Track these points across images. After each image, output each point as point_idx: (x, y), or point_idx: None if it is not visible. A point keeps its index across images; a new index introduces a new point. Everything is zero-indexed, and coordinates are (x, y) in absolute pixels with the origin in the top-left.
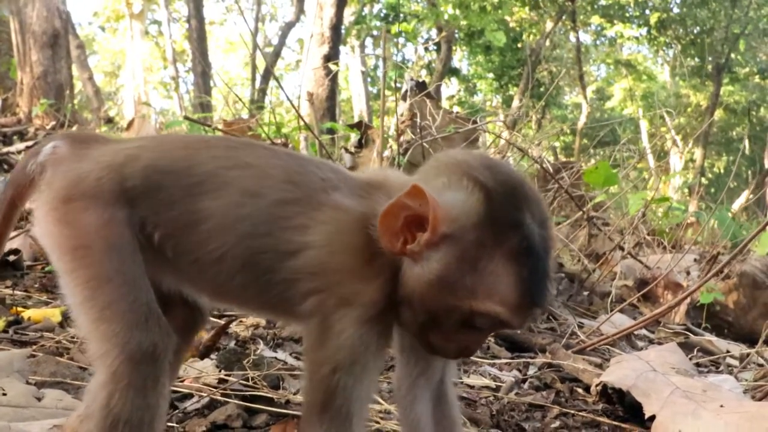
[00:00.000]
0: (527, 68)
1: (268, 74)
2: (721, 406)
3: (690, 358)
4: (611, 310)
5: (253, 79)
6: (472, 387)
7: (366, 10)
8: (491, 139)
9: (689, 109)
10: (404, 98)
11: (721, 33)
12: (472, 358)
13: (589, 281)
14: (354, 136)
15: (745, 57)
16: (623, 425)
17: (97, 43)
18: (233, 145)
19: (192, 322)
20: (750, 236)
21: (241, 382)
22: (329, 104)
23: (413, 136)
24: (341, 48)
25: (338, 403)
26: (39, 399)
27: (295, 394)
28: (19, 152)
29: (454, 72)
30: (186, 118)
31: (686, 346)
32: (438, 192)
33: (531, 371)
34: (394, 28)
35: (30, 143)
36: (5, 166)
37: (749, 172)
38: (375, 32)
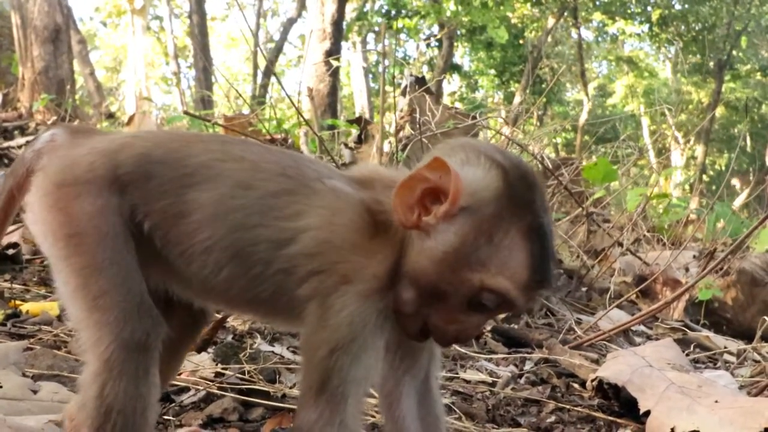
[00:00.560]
0: (529, 65)
1: (269, 70)
2: (716, 401)
3: (687, 354)
4: (609, 306)
5: (255, 75)
6: (468, 382)
7: (368, 6)
8: (491, 135)
9: (690, 106)
10: (404, 94)
11: (723, 30)
12: (469, 353)
13: (588, 277)
14: (354, 132)
15: (747, 54)
16: (618, 420)
17: (99, 39)
18: (228, 141)
19: (195, 320)
20: (747, 232)
21: (237, 375)
22: (330, 100)
23: (413, 132)
24: (343, 44)
25: (334, 384)
26: (35, 392)
27: (291, 387)
28: (19, 147)
29: (456, 68)
30: (186, 113)
31: (684, 343)
32: (458, 166)
33: (527, 366)
34: (396, 24)
35: (30, 138)
36: (6, 161)
37: (750, 169)
38: (376, 28)
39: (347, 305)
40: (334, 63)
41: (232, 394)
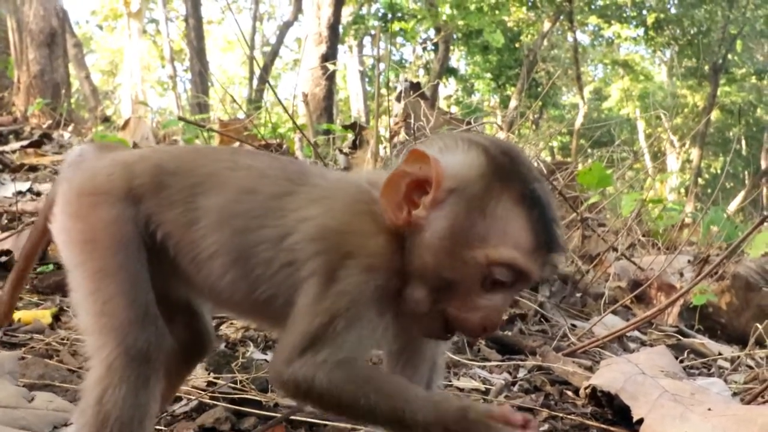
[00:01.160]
0: (524, 68)
1: (266, 73)
2: (709, 409)
3: (681, 361)
4: (604, 312)
5: (251, 79)
6: (461, 390)
7: (364, 9)
8: None
9: (686, 110)
10: (398, 99)
11: (718, 33)
12: (462, 360)
13: (583, 283)
14: (350, 136)
15: (742, 58)
16: (612, 428)
17: (95, 42)
18: (238, 151)
19: (196, 345)
20: (742, 237)
21: (229, 384)
22: (326, 104)
23: (407, 137)
24: (339, 47)
25: (324, 342)
26: (29, 401)
27: (283, 397)
28: (14, 151)
29: (452, 72)
30: (180, 118)
31: (678, 348)
32: (436, 153)
33: (521, 374)
34: (392, 27)
35: (26, 142)
36: (0, 166)
37: (745, 172)
38: (373, 32)
39: (351, 275)
40: (331, 67)
41: (224, 404)
